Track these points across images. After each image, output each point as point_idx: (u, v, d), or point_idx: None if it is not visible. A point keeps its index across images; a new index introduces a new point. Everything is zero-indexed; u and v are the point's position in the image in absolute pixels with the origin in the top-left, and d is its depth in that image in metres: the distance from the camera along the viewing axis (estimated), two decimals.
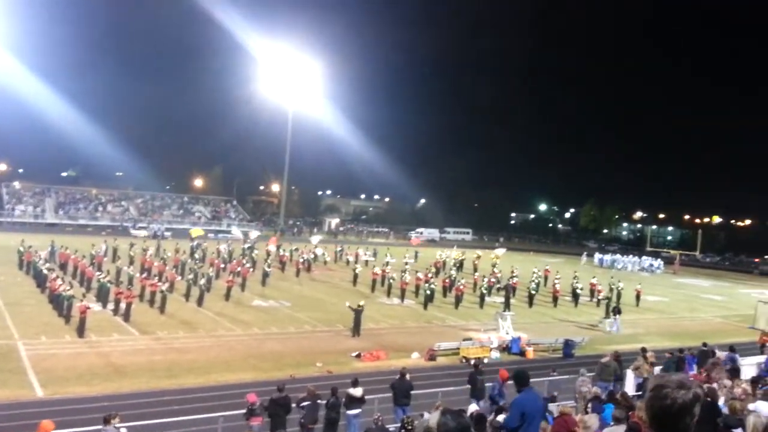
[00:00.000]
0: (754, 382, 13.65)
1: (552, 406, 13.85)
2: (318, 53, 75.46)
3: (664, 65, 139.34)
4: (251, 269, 38.82)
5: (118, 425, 11.64)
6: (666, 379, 2.49)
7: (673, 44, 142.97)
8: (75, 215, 71.34)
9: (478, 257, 53.94)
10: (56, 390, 17.51)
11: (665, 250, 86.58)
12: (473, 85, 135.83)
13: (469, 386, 17.43)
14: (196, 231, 51.02)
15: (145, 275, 33.94)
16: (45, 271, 31.43)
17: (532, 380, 15.77)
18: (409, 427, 10.83)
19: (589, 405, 12.17)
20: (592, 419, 9.61)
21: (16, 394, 17.02)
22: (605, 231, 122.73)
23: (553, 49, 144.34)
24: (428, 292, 34.78)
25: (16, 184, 79.07)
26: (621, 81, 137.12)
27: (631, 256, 74.11)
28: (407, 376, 16.56)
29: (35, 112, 76.30)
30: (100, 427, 11.89)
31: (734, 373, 16.67)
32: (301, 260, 44.73)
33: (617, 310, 32.64)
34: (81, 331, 23.10)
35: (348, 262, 49.73)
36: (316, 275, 43.81)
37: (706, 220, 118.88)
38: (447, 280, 39.36)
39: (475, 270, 47.17)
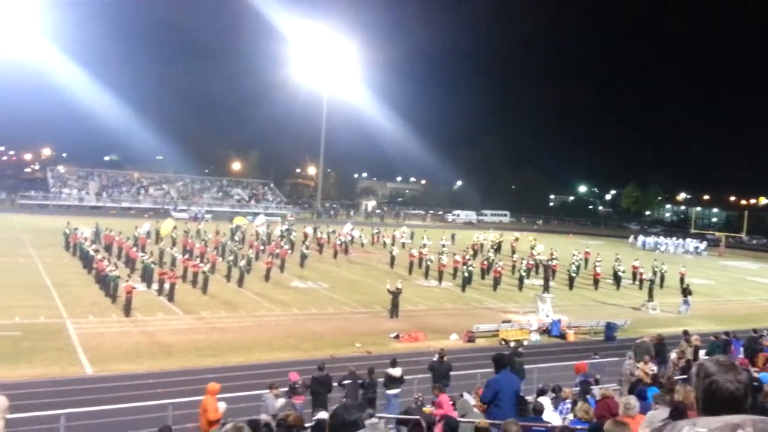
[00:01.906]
0: None
1: (594, 389, 13.70)
2: (353, 35, 75.31)
3: (709, 42, 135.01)
4: (290, 251, 39.22)
5: (278, 393, 12.45)
6: (718, 364, 2.40)
7: (720, 20, 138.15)
8: (118, 198, 73.01)
9: (516, 239, 53.44)
10: (104, 367, 18.04)
11: (710, 232, 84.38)
12: (510, 66, 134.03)
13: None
14: (240, 219, 51.56)
15: (187, 256, 34.60)
16: (91, 252, 32.30)
17: (571, 362, 15.67)
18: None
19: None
20: (633, 401, 9.45)
21: (66, 371, 17.59)
22: (648, 213, 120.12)
23: (595, 28, 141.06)
24: (466, 274, 34.64)
25: (61, 168, 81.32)
26: (666, 58, 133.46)
27: (674, 238, 72.46)
28: (446, 358, 16.56)
29: (78, 100, 78.22)
30: (264, 391, 12.96)
31: None
32: (339, 242, 44.99)
33: (688, 291, 32.49)
34: (127, 310, 23.72)
35: (385, 244, 49.83)
36: (353, 257, 44.04)
37: (753, 201, 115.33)
38: (485, 263, 39.14)
39: (513, 252, 46.76)
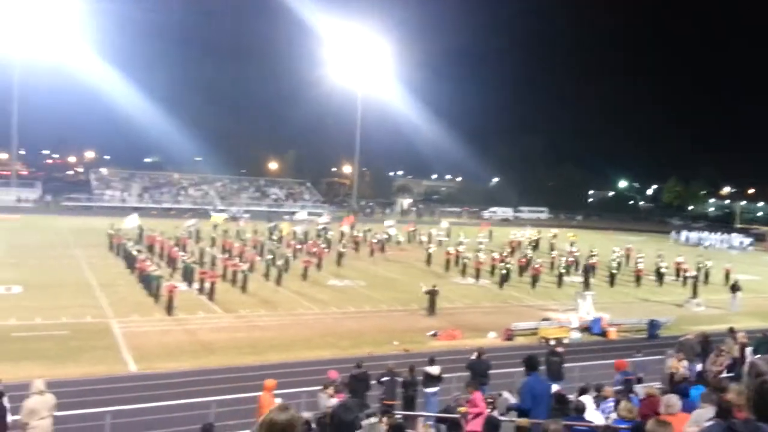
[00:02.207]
0: None
1: (638, 388, 13.45)
2: (386, 33, 75.24)
3: (749, 36, 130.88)
4: (326, 250, 39.45)
5: (332, 393, 12.49)
6: None
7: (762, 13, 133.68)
8: (159, 199, 74.44)
9: (555, 236, 52.75)
10: (148, 365, 18.43)
11: (755, 226, 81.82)
12: (546, 61, 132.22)
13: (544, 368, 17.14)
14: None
15: (226, 256, 35.11)
16: (134, 253, 33.02)
17: (612, 360, 15.41)
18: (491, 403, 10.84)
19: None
20: (674, 400, 9.24)
21: (112, 369, 18.03)
22: (690, 207, 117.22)
23: (636, 20, 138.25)
24: (504, 271, 34.36)
25: (104, 171, 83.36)
26: (707, 50, 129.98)
27: (719, 233, 70.55)
28: (484, 356, 16.44)
29: (118, 104, 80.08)
30: (318, 388, 12.99)
31: None
32: (375, 240, 45.07)
33: (737, 287, 31.90)
34: (169, 309, 24.19)
35: (421, 242, 49.72)
36: (389, 255, 44.05)
37: None
38: (523, 260, 38.75)
39: (552, 249, 46.17)
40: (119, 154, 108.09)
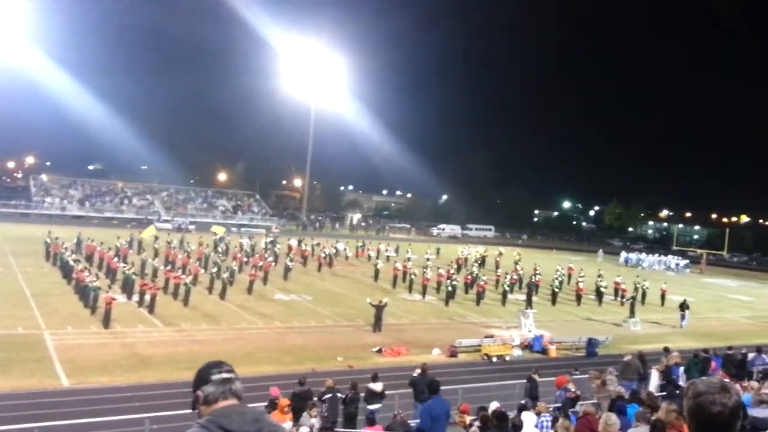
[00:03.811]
0: None
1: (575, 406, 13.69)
2: (341, 48, 75.64)
3: (692, 63, 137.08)
4: (273, 263, 39.01)
5: (314, 416, 12.33)
6: (710, 385, 2.38)
7: (703, 42, 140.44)
8: (101, 208, 72.32)
9: (500, 254, 53.60)
10: (81, 379, 17.76)
11: (692, 249, 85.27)
12: (497, 82, 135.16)
13: (489, 384, 17.35)
14: (218, 228, 51.10)
15: (169, 268, 34.29)
16: (71, 263, 31.91)
17: (552, 378, 15.71)
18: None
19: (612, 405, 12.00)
20: (614, 418, 9.47)
21: (42, 383, 17.28)
22: (630, 229, 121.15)
23: (581, 45, 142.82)
24: (450, 288, 34.65)
25: (44, 177, 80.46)
26: (648, 78, 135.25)
27: (656, 255, 73.06)
28: (428, 372, 16.48)
29: (62, 107, 77.82)
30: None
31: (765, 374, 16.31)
32: (323, 255, 44.85)
33: (685, 306, 33.37)
34: (106, 322, 23.41)
35: (369, 257, 49.73)
36: (337, 270, 43.90)
37: (734, 219, 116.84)
38: (469, 277, 39.19)
39: (497, 267, 46.88)
40: (61, 161, 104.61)
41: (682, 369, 17.85)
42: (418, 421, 10.95)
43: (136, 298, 27.71)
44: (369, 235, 74.97)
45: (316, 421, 12.68)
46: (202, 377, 2.58)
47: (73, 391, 16.86)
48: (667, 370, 17.30)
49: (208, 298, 30.55)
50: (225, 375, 2.57)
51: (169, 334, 23.66)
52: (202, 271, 34.74)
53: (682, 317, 33.27)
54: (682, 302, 34.06)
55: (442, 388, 16.56)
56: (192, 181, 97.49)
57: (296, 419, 13.87)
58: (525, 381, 16.33)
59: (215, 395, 2.55)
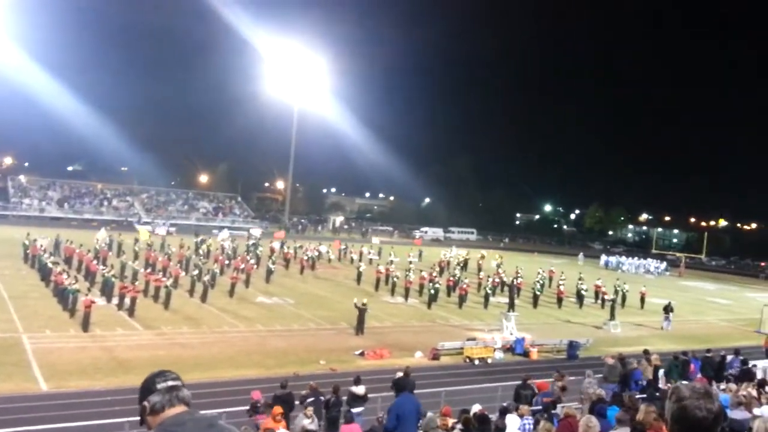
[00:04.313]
0: (760, 386, 13.58)
1: (557, 408, 13.79)
2: (324, 50, 75.53)
3: (670, 68, 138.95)
4: (255, 266, 38.80)
5: (310, 414, 12.34)
6: (694, 389, 2.42)
7: (679, 47, 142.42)
8: (80, 209, 71.44)
9: (483, 257, 53.82)
10: (60, 383, 17.53)
11: (671, 252, 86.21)
12: (480, 85, 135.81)
13: (472, 386, 17.42)
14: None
15: (149, 270, 33.97)
16: (50, 265, 31.49)
17: (535, 381, 15.80)
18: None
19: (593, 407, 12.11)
20: (594, 421, 9.55)
21: (20, 387, 17.04)
22: (610, 233, 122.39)
23: (560, 49, 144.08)
24: (432, 291, 34.73)
25: (22, 178, 79.23)
26: (628, 83, 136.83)
27: (636, 258, 73.86)
28: (410, 375, 16.49)
29: (41, 107, 76.59)
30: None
31: (742, 376, 16.57)
32: (306, 258, 44.71)
33: (669, 309, 33.93)
34: (85, 325, 23.13)
35: (352, 260, 49.67)
36: (320, 273, 43.79)
37: (712, 223, 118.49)
38: (451, 280, 39.30)
39: (480, 270, 47.04)
40: (40, 161, 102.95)
41: (662, 371, 18.07)
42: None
43: (115, 301, 27.40)
44: (352, 237, 74.88)
45: (308, 423, 12.62)
46: (147, 387, 2.52)
47: (52, 395, 16.63)
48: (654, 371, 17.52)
49: (189, 301, 30.30)
50: (170, 383, 2.53)
51: (149, 337, 23.43)
52: (183, 273, 34.45)
53: (666, 320, 33.80)
54: (666, 305, 34.66)
55: (426, 390, 16.70)
56: (173, 183, 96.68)
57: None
58: (519, 383, 16.30)
59: (162, 403, 2.50)
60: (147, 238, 41.67)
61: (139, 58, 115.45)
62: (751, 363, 19.99)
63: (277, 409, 11.94)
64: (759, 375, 17.36)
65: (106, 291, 28.49)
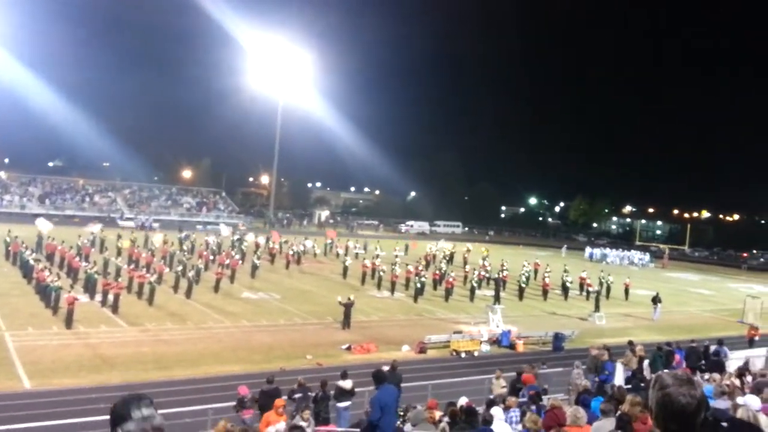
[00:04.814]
0: (742, 375, 13.73)
1: (543, 399, 13.85)
2: (309, 44, 75.16)
3: (653, 61, 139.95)
4: (240, 261, 38.59)
5: (307, 418, 12.15)
6: (675, 377, 2.42)
7: (663, 40, 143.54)
8: (62, 205, 70.59)
9: (468, 251, 53.94)
10: (43, 381, 17.34)
11: (654, 244, 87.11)
12: (465, 79, 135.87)
13: (458, 379, 17.47)
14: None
15: (133, 266, 33.65)
16: (32, 262, 31.11)
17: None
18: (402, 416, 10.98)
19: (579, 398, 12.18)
20: (582, 411, 9.60)
21: (3, 385, 16.84)
22: (595, 225, 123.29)
23: (546, 44, 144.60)
24: (418, 285, 34.76)
25: (2, 174, 78.16)
26: (611, 77, 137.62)
27: (620, 250, 74.49)
28: (397, 369, 16.50)
29: (22, 102, 75.42)
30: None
31: (722, 366, 16.76)
32: (291, 252, 44.53)
33: (657, 299, 34.59)
34: (69, 322, 22.88)
35: (338, 254, 49.58)
36: (305, 268, 43.66)
37: (695, 214, 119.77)
38: (437, 273, 39.34)
39: (465, 263, 47.18)
40: (20, 157, 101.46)
41: (646, 362, 18.21)
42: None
43: (99, 297, 27.12)
44: (338, 232, 74.73)
45: (306, 425, 12.51)
46: (121, 414, 2.40)
47: (36, 393, 16.45)
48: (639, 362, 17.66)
49: (173, 297, 30.08)
50: (145, 411, 2.42)
51: (133, 334, 23.24)
52: (167, 269, 34.21)
53: (655, 310, 34.43)
54: (654, 296, 35.29)
55: (413, 384, 16.74)
56: (156, 179, 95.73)
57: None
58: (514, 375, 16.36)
59: None
60: (128, 246, 40.86)
61: (121, 52, 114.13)
62: (733, 353, 20.25)
63: (279, 402, 11.90)
64: (740, 364, 17.54)
65: (89, 288, 28.19)
